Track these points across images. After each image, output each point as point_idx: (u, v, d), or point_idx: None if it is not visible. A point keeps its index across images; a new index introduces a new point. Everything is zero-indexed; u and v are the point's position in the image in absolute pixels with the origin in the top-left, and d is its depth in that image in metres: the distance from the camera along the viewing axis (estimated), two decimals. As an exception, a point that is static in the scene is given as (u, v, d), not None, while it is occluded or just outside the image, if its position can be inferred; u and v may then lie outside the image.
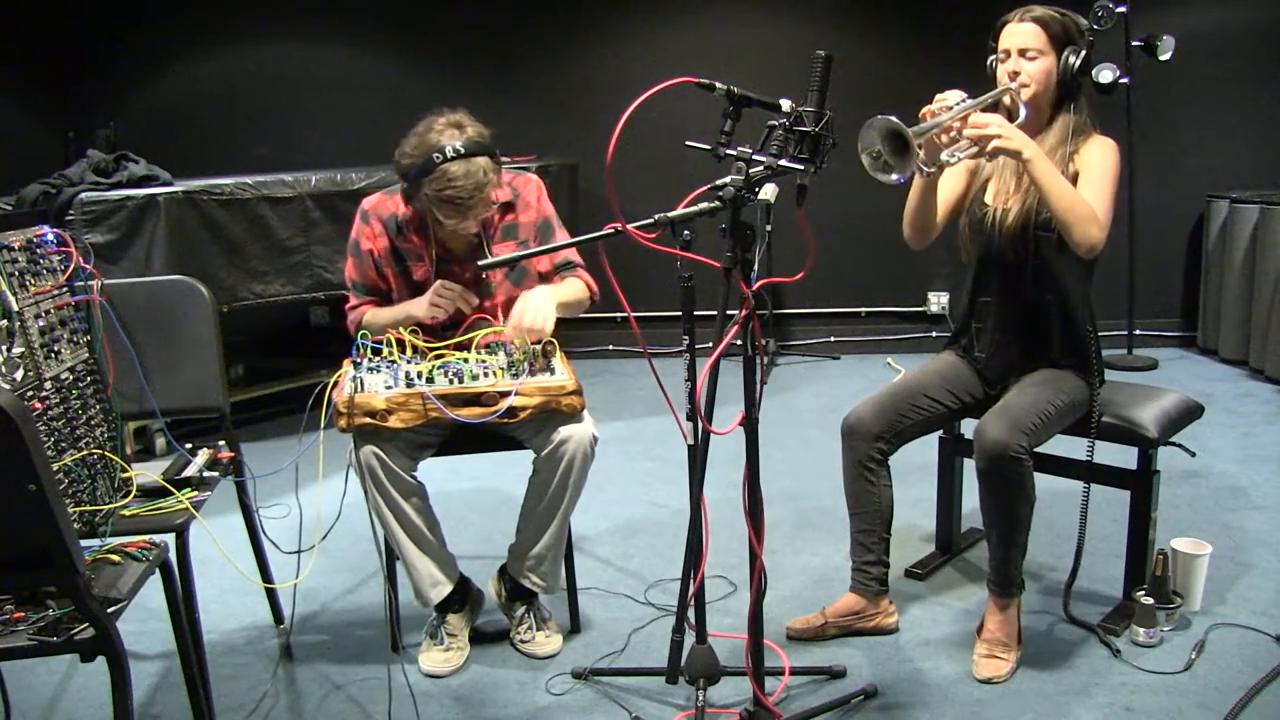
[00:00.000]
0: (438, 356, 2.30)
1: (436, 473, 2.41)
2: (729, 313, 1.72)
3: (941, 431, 2.67)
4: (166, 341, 2.26)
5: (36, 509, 1.42)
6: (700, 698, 1.95)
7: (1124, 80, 4.40)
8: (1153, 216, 4.93)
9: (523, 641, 2.39)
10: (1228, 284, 4.79)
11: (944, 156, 2.09)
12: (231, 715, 2.16)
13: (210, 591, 2.65)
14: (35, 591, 1.64)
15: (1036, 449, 2.17)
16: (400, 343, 2.32)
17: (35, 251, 1.98)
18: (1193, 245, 5.21)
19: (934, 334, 5.42)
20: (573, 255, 2.50)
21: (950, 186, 2.37)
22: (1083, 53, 2.18)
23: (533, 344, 2.26)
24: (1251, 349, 4.65)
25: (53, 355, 1.96)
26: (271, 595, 2.54)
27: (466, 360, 2.27)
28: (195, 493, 2.06)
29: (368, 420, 2.13)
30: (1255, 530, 2.91)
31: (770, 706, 1.92)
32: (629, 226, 1.74)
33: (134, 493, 2.05)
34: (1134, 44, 4.53)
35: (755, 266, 1.76)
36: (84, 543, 1.65)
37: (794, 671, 2.21)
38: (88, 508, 1.91)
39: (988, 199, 2.32)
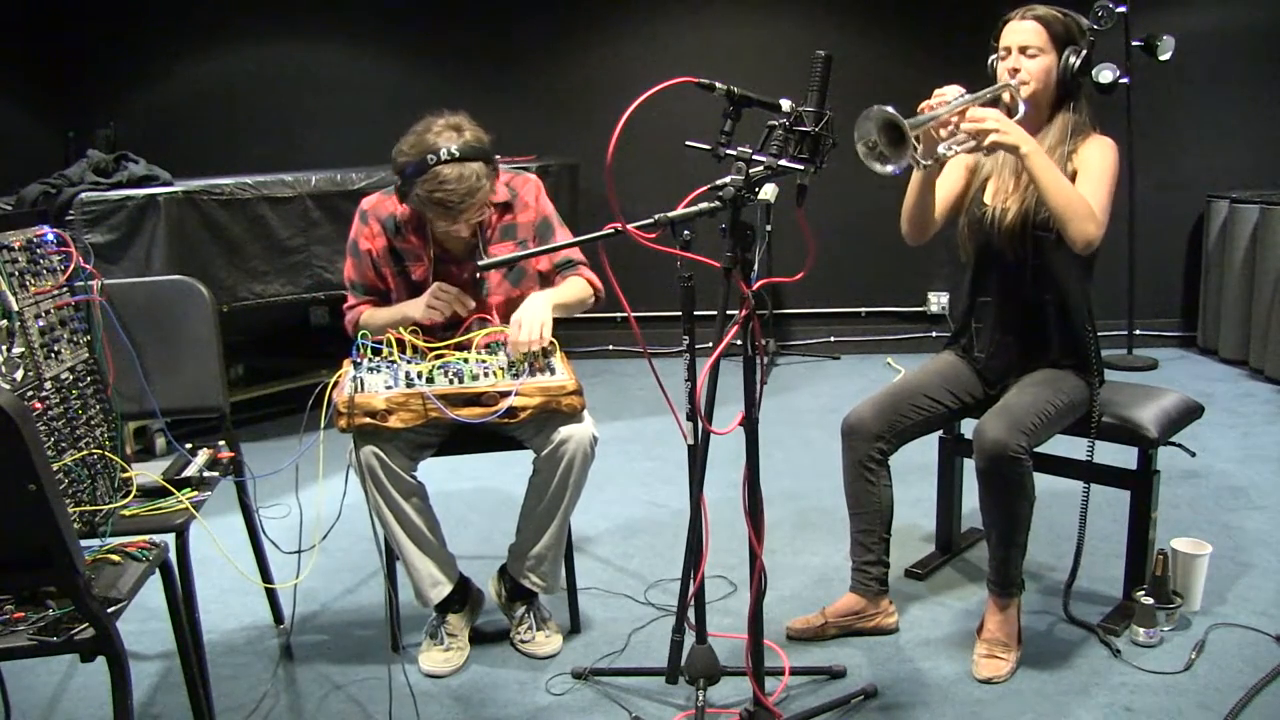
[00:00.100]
0: (438, 356, 2.31)
1: (436, 473, 2.41)
2: (729, 313, 1.72)
3: (941, 431, 2.67)
4: (166, 341, 2.26)
5: (36, 509, 1.42)
6: (700, 698, 1.95)
7: (1124, 80, 4.40)
8: (1153, 216, 4.93)
9: (523, 641, 2.39)
10: (1228, 284, 4.79)
11: (941, 150, 2.09)
12: (231, 715, 2.16)
13: (210, 591, 2.65)
14: (35, 591, 1.64)
15: (1036, 449, 2.17)
16: (400, 343, 2.32)
17: (35, 251, 1.98)
18: (1193, 245, 5.21)
19: (934, 334, 5.42)
20: (574, 254, 2.49)
21: (949, 184, 2.37)
22: (1083, 52, 2.18)
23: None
24: (1251, 349, 4.65)
25: (53, 355, 1.96)
26: (271, 595, 2.54)
27: (466, 360, 2.27)
28: (195, 493, 2.06)
29: (368, 420, 2.13)
30: (1255, 530, 2.91)
31: (770, 706, 1.92)
32: (629, 226, 1.74)
33: (134, 493, 2.05)
34: (1134, 44, 4.52)
35: (755, 266, 1.76)
36: (84, 543, 1.65)
37: (794, 671, 2.21)
38: (88, 508, 1.91)
39: (987, 199, 2.32)
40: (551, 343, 2.31)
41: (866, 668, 2.27)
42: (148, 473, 2.10)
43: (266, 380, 4.40)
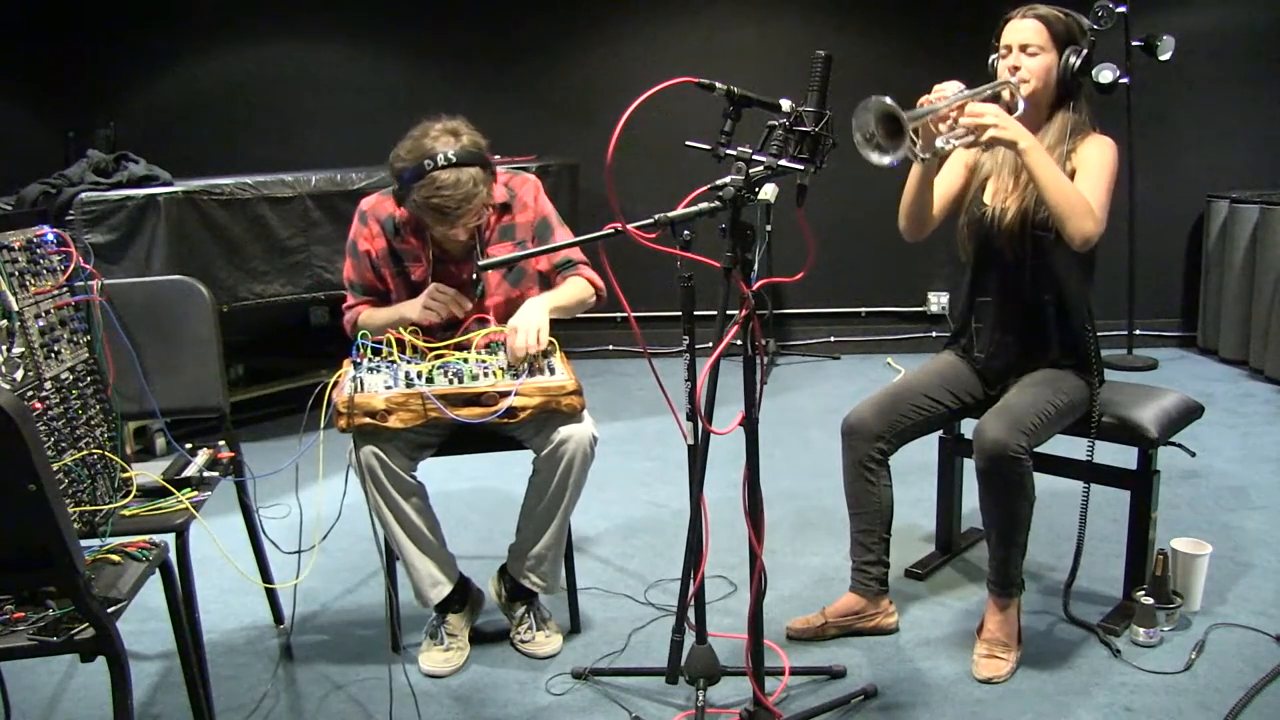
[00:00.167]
0: (438, 356, 2.31)
1: (436, 473, 2.41)
2: (729, 313, 1.72)
3: (941, 431, 2.67)
4: (166, 341, 2.26)
5: (36, 509, 1.42)
6: (700, 698, 1.95)
7: (1124, 80, 4.40)
8: (1153, 216, 4.93)
9: (523, 641, 2.39)
10: (1228, 284, 4.79)
11: (939, 144, 2.09)
12: (231, 715, 2.16)
13: (210, 591, 2.65)
14: (35, 591, 1.64)
15: (1036, 449, 2.17)
16: (400, 343, 2.32)
17: (35, 251, 1.98)
18: (1193, 245, 5.21)
19: (934, 334, 5.42)
20: (575, 253, 2.49)
21: (948, 182, 2.37)
22: (1084, 52, 2.18)
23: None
24: (1251, 349, 4.65)
25: (53, 355, 1.96)
26: (271, 595, 2.54)
27: (466, 360, 2.27)
28: (195, 493, 2.06)
29: (368, 420, 2.13)
30: (1255, 530, 2.91)
31: (770, 706, 1.92)
32: (629, 226, 1.74)
33: (134, 493, 2.05)
34: (1134, 44, 4.52)
35: (755, 266, 1.76)
36: (84, 543, 1.65)
37: (794, 671, 2.21)
38: (88, 508, 1.91)
39: (986, 199, 2.32)
40: (551, 343, 2.31)
41: (866, 668, 2.27)
42: (148, 473, 2.10)
43: (266, 380, 4.40)
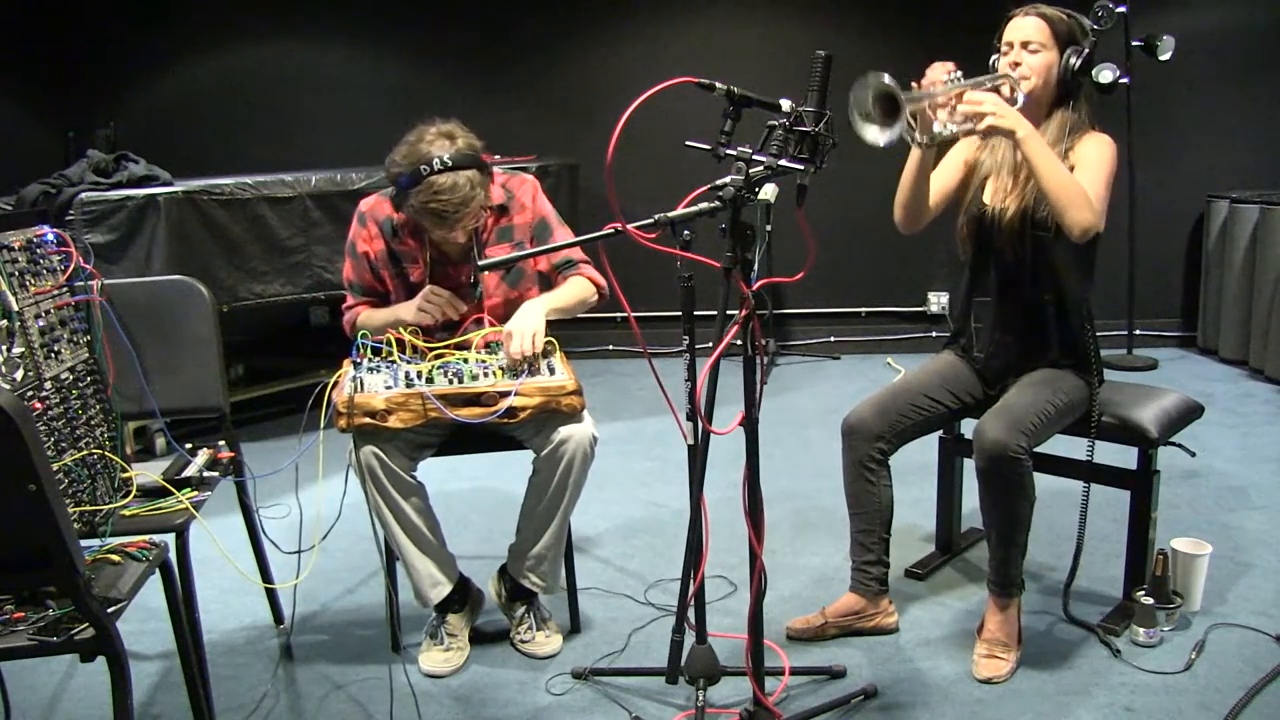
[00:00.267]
0: (438, 356, 2.31)
1: (436, 473, 2.41)
2: (729, 313, 1.72)
3: (941, 431, 2.67)
4: (166, 341, 2.26)
5: (36, 509, 1.42)
6: (700, 698, 1.95)
7: (1124, 80, 4.40)
8: (1153, 216, 4.93)
9: (523, 641, 2.39)
10: (1228, 284, 4.79)
11: (936, 129, 2.09)
12: (231, 715, 2.16)
13: (210, 591, 2.65)
14: (35, 591, 1.64)
15: (1036, 449, 2.17)
16: (400, 343, 2.32)
17: (35, 251, 1.98)
18: (1193, 245, 5.21)
19: (934, 334, 5.42)
20: (575, 253, 2.49)
21: (946, 174, 2.37)
22: (1085, 53, 2.18)
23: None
24: (1251, 349, 4.65)
25: (53, 355, 1.96)
26: (271, 595, 2.54)
27: (466, 360, 2.27)
28: (195, 493, 2.06)
29: (367, 420, 2.13)
30: (1255, 530, 2.91)
31: (770, 706, 1.92)
32: (629, 226, 1.74)
33: (134, 493, 2.05)
34: (1134, 44, 4.52)
35: (755, 266, 1.76)
36: (84, 543, 1.65)
37: (794, 671, 2.21)
38: (88, 508, 1.91)
39: (986, 198, 2.32)
40: (551, 342, 2.31)
41: (866, 668, 2.27)
42: (148, 473, 2.10)
43: (266, 380, 4.40)
